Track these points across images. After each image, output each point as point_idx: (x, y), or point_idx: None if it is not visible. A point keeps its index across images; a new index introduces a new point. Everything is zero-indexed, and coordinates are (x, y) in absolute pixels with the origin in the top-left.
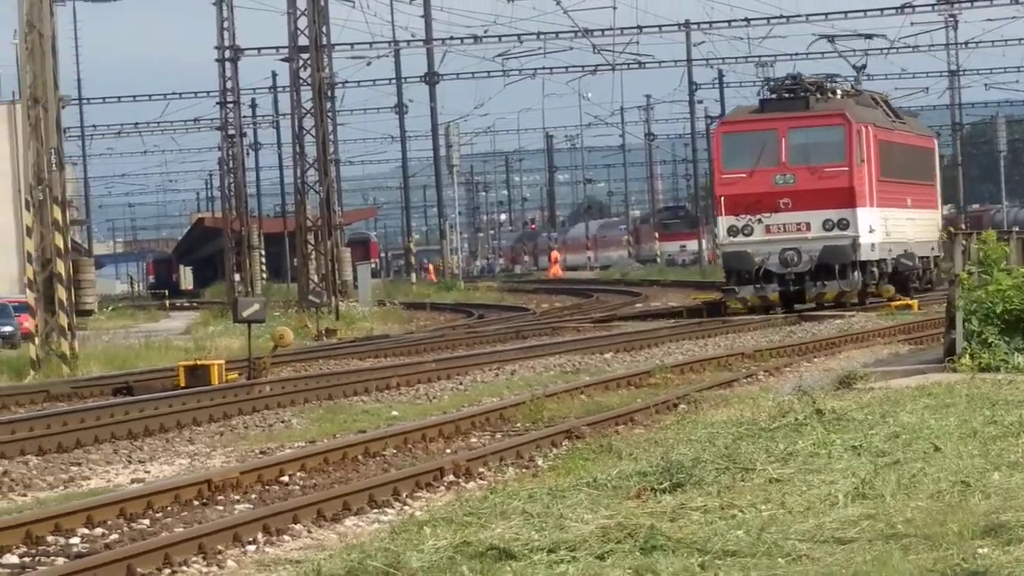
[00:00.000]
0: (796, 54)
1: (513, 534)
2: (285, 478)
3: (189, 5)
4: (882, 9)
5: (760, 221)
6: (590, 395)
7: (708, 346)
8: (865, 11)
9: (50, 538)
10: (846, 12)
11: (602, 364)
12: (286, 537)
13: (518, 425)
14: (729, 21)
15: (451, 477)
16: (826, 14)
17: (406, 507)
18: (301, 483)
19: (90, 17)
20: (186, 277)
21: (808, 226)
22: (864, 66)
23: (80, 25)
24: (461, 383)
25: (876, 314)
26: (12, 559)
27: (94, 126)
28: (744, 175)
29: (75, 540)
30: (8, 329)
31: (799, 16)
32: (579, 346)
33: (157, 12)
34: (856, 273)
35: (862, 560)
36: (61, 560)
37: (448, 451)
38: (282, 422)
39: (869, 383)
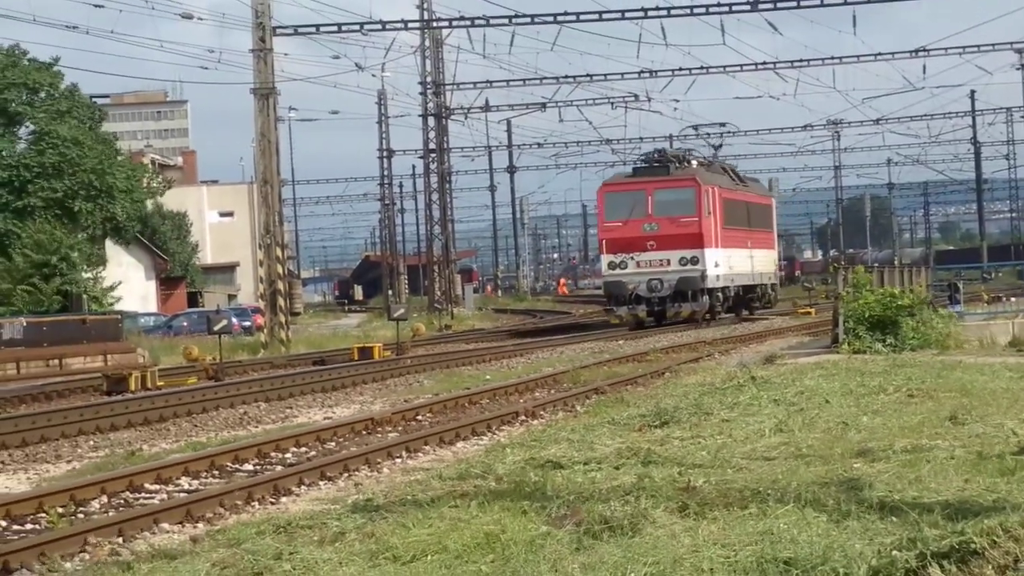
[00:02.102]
0: (670, 136)
1: (561, 452)
2: (420, 417)
3: (362, 123)
4: (793, 127)
5: (632, 258)
6: (609, 367)
7: (683, 337)
8: (782, 128)
9: (273, 454)
10: (778, 128)
11: (616, 347)
12: (419, 454)
13: (564, 385)
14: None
15: (523, 417)
16: (759, 130)
17: (495, 436)
18: (429, 420)
19: (298, 128)
20: (358, 292)
21: (668, 262)
22: (720, 146)
23: (293, 134)
24: (529, 358)
25: (789, 317)
26: (248, 467)
27: (301, 198)
28: (620, 224)
29: (288, 455)
30: (248, 323)
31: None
32: (602, 336)
33: (341, 126)
34: (705, 297)
35: (780, 471)
36: (279, 467)
37: (521, 401)
38: (418, 382)
39: (784, 360)
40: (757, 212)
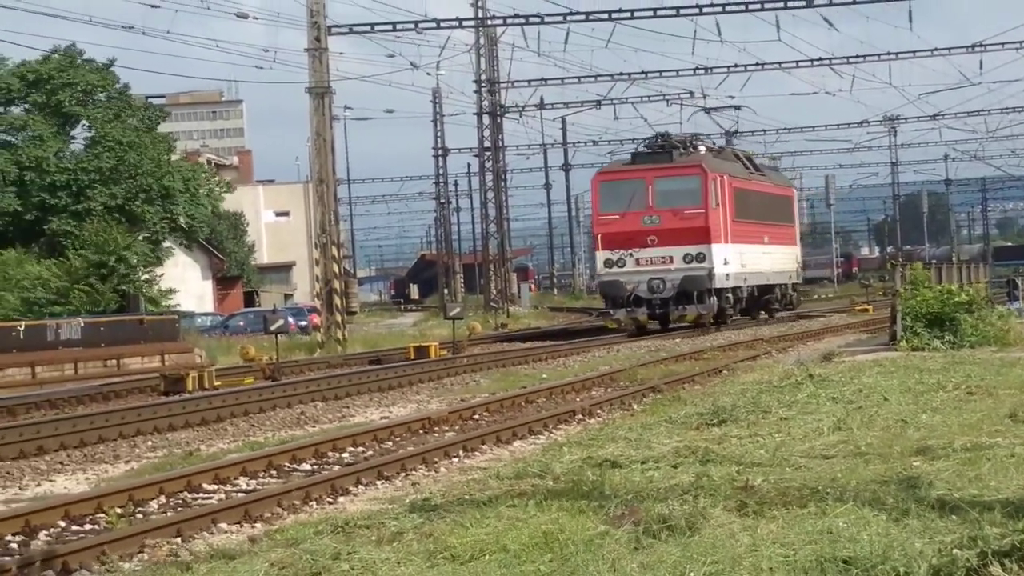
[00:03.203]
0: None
1: (619, 452)
2: (476, 416)
3: (417, 122)
4: (849, 124)
5: (631, 255)
6: (666, 365)
7: (740, 334)
8: (838, 125)
9: (330, 454)
10: (834, 125)
11: (673, 345)
12: (477, 453)
13: (621, 383)
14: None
15: (580, 416)
16: (815, 126)
17: (552, 434)
18: (486, 419)
19: (353, 127)
20: (414, 291)
21: (671, 259)
22: (736, 131)
23: (348, 133)
24: (586, 357)
25: (846, 314)
26: (306, 467)
27: (357, 197)
28: (618, 216)
29: (346, 455)
30: (304, 323)
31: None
32: (659, 334)
33: (396, 125)
34: (712, 299)
35: (839, 469)
36: (337, 467)
37: (578, 399)
38: (474, 381)
39: (842, 358)
40: (775, 204)
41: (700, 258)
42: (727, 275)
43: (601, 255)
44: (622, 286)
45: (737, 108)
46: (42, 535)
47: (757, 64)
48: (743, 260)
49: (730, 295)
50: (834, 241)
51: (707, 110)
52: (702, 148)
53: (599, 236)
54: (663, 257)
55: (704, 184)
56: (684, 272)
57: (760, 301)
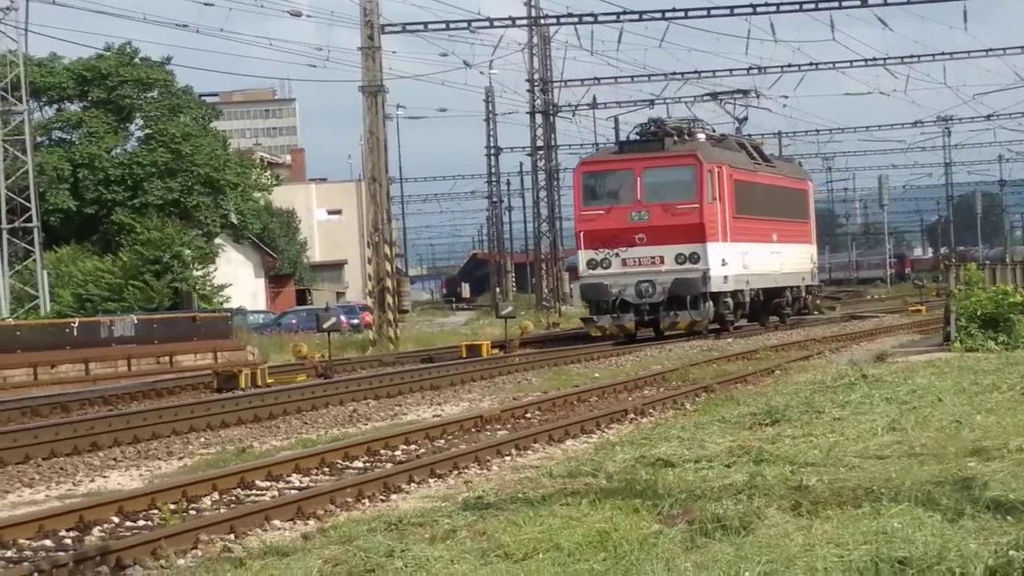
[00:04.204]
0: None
1: (672, 451)
2: (528, 415)
3: (470, 121)
4: (903, 124)
5: (617, 255)
6: (718, 364)
7: (792, 335)
8: (891, 125)
9: (382, 452)
10: (887, 125)
11: (726, 345)
12: (529, 452)
13: (673, 383)
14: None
15: (632, 415)
16: (868, 127)
17: (604, 433)
18: (538, 418)
19: (406, 125)
20: (466, 290)
21: (662, 259)
22: (746, 118)
23: (401, 132)
24: (638, 356)
25: (900, 315)
26: (358, 464)
27: (409, 195)
28: (603, 212)
29: (398, 452)
30: (356, 321)
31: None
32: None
33: (449, 124)
34: (708, 303)
35: (893, 470)
36: (389, 465)
37: (630, 398)
38: (526, 380)
39: (895, 358)
40: (786, 198)
41: (694, 258)
42: (725, 277)
43: (584, 255)
44: (607, 290)
45: (745, 94)
46: (96, 531)
47: (811, 64)
48: (745, 260)
49: (729, 299)
50: (887, 242)
51: (714, 95)
52: (701, 136)
53: (581, 234)
54: (653, 257)
55: (699, 175)
56: (676, 274)
57: (770, 305)
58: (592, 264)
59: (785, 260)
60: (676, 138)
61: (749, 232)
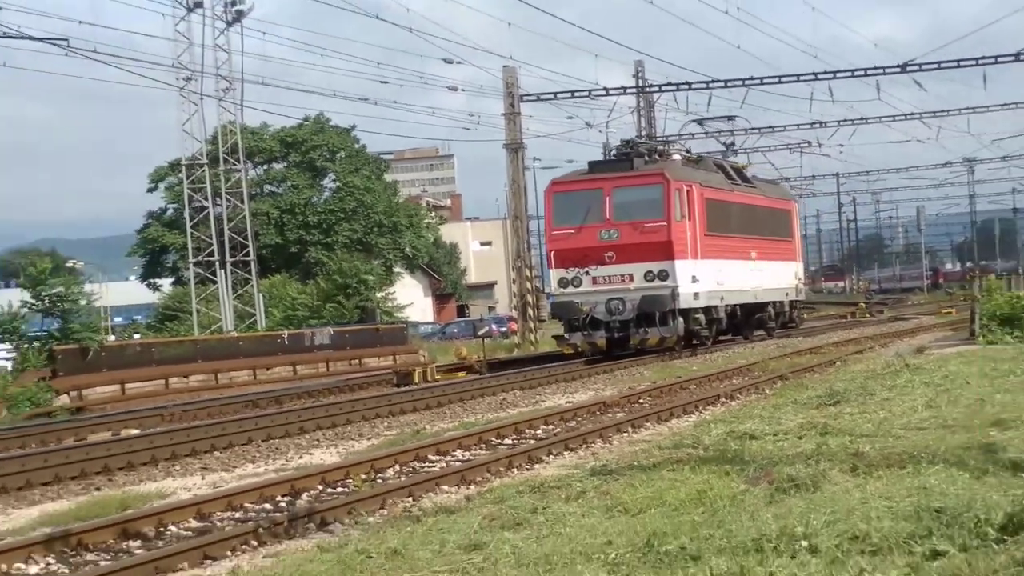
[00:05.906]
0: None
1: (755, 426)
2: (641, 400)
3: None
4: (935, 165)
5: (587, 273)
6: (791, 358)
7: (850, 333)
8: (927, 166)
9: (527, 431)
10: (919, 166)
11: (797, 342)
12: (642, 429)
13: (755, 373)
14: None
15: (723, 399)
16: (907, 168)
17: (701, 414)
18: (649, 402)
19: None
20: None
21: (631, 277)
22: (732, 144)
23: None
24: (726, 353)
25: (934, 316)
26: (508, 441)
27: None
28: (573, 231)
29: (539, 431)
30: (504, 329)
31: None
32: (783, 333)
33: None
34: (678, 320)
35: (931, 438)
36: (532, 441)
37: (721, 386)
38: (639, 373)
39: (931, 351)
40: (767, 217)
41: (663, 276)
42: (695, 294)
43: (555, 273)
44: (577, 308)
45: (731, 119)
46: (304, 496)
47: (861, 118)
48: (719, 277)
49: (701, 315)
50: (924, 258)
51: (700, 121)
52: (676, 156)
53: (552, 252)
54: (622, 275)
55: (667, 193)
56: (644, 291)
57: (752, 320)
58: (563, 283)
59: (766, 277)
60: (646, 157)
61: (723, 249)
